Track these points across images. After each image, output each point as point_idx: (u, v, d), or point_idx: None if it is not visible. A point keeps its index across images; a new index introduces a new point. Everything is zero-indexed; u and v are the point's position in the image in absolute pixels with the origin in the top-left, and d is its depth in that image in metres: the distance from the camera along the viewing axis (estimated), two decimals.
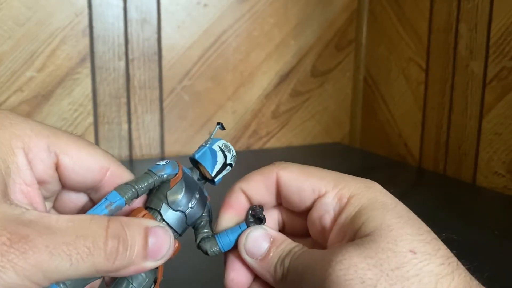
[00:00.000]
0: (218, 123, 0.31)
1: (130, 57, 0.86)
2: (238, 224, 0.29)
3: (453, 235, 0.27)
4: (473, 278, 0.25)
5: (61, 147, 0.27)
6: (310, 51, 1.00)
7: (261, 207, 0.29)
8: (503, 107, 0.72)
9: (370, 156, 0.97)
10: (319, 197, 0.27)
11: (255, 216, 0.29)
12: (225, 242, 0.29)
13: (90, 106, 0.84)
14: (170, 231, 0.26)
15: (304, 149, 0.99)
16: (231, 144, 0.31)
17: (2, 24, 0.77)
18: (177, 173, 0.29)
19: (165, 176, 0.28)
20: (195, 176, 0.30)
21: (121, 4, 0.84)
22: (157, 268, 0.27)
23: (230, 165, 0.30)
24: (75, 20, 0.81)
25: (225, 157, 0.30)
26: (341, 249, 0.24)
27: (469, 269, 0.25)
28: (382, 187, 0.27)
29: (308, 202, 0.28)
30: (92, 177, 0.28)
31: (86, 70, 0.83)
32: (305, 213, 0.29)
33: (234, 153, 0.30)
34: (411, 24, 0.89)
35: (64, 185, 0.28)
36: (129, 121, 0.87)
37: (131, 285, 0.27)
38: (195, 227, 0.30)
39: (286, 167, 0.28)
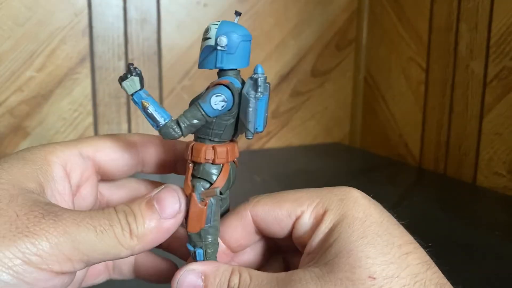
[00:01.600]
0: (236, 12, 0.28)
1: (130, 57, 0.86)
2: None
3: (429, 244, 0.25)
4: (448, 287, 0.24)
5: (92, 149, 0.29)
6: (310, 51, 1.00)
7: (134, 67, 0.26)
8: (504, 107, 0.72)
9: (370, 156, 0.97)
10: (297, 219, 0.27)
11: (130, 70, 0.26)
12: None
13: (89, 106, 0.84)
14: (176, 188, 0.27)
15: (304, 149, 0.99)
16: None
17: (2, 24, 0.77)
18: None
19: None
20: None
21: (121, 4, 0.84)
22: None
23: (216, 46, 0.26)
24: (75, 20, 0.81)
25: (216, 42, 0.26)
26: (301, 281, 0.23)
27: (445, 271, 0.25)
28: (357, 194, 0.26)
29: (288, 228, 0.27)
30: (130, 155, 0.30)
31: (85, 70, 0.83)
32: (288, 241, 0.29)
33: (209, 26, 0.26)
34: (411, 24, 0.89)
35: (114, 177, 0.31)
36: (129, 121, 0.87)
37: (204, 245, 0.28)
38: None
39: (258, 202, 0.28)
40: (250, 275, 0.25)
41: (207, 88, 0.27)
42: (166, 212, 0.25)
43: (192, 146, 0.27)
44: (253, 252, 0.30)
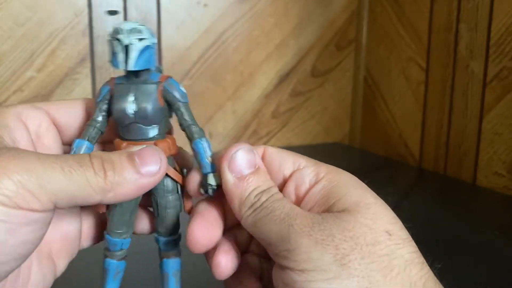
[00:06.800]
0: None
1: None
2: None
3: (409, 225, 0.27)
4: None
5: (45, 104, 0.29)
6: (310, 51, 1.00)
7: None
8: (504, 107, 0.72)
9: (370, 156, 0.97)
10: (298, 169, 0.28)
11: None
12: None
13: None
14: (159, 149, 0.26)
15: (304, 149, 0.99)
16: None
17: (2, 24, 0.77)
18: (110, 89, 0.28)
19: (105, 96, 0.28)
20: (127, 78, 0.28)
21: (121, 4, 0.84)
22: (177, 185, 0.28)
23: (120, 39, 0.26)
24: (75, 20, 0.81)
25: (118, 40, 0.26)
26: (322, 217, 0.24)
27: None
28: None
29: (286, 173, 0.28)
30: (83, 118, 0.30)
31: (86, 70, 0.83)
32: (280, 187, 0.29)
33: (123, 27, 0.26)
34: (411, 24, 0.89)
35: (67, 138, 0.30)
36: None
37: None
38: (177, 115, 0.28)
39: (273, 147, 0.29)
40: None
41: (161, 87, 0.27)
42: (146, 169, 0.25)
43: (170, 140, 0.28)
44: None
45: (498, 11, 0.72)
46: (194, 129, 0.27)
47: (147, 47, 0.26)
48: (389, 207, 0.26)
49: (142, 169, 0.25)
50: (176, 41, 0.89)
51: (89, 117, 0.29)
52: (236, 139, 0.96)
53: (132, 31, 0.26)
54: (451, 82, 0.81)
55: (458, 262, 0.48)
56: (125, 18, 0.84)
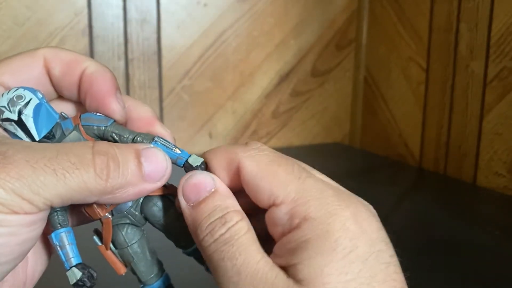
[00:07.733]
0: None
1: (129, 57, 0.86)
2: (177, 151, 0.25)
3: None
4: None
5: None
6: (310, 50, 1.00)
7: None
8: (504, 107, 0.72)
9: (370, 156, 0.97)
10: (274, 205, 0.23)
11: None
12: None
13: None
14: (163, 151, 0.24)
15: (304, 149, 0.99)
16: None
17: (2, 24, 0.77)
18: None
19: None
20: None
21: (121, 4, 0.84)
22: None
23: (8, 117, 0.23)
24: (75, 20, 0.81)
25: (7, 120, 0.23)
26: (274, 281, 0.21)
27: None
28: (350, 215, 0.22)
29: (262, 205, 0.24)
30: (38, 74, 0.26)
31: None
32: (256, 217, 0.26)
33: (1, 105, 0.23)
34: (412, 23, 0.89)
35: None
36: None
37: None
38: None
39: (252, 156, 0.24)
40: (249, 229, 0.23)
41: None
42: (151, 174, 0.23)
43: None
44: None
45: (498, 11, 0.72)
46: (140, 138, 0.25)
47: (38, 106, 0.23)
48: (365, 277, 0.21)
49: (147, 174, 0.23)
50: (176, 41, 0.89)
51: (46, 69, 0.26)
52: (236, 139, 0.96)
53: (12, 101, 0.23)
54: (451, 82, 0.81)
55: (458, 262, 0.48)
56: (125, 18, 0.84)
